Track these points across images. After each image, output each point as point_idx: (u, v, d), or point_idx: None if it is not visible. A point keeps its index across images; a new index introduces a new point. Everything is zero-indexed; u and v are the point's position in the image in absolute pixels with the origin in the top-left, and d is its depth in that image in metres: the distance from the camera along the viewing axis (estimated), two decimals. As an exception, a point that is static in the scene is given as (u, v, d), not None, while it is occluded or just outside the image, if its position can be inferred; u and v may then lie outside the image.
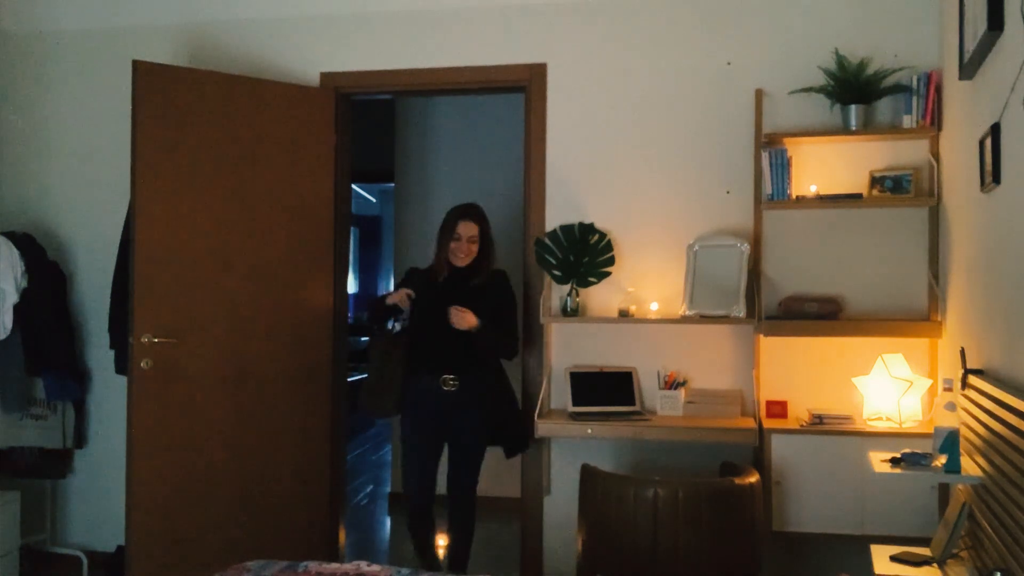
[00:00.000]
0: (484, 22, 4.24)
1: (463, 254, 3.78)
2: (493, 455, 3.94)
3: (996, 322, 2.73)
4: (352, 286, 9.86)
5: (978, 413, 2.75)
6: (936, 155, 3.75)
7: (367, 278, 10.91)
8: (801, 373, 3.91)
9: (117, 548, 4.25)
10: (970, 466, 2.82)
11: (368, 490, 6.48)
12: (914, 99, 3.72)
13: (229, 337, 4.01)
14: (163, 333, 3.86)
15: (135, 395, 3.82)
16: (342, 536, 4.45)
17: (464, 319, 3.69)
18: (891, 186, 3.78)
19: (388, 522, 5.73)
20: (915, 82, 3.71)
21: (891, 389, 3.63)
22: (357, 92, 4.44)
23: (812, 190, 3.84)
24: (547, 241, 4.09)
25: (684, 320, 3.90)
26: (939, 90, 3.69)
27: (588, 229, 4.06)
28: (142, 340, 3.82)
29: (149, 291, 3.85)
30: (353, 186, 4.83)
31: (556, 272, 4.06)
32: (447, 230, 3.81)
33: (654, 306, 3.99)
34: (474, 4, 4.25)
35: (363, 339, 7.50)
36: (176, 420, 3.90)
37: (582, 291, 4.07)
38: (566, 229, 4.07)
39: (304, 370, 4.18)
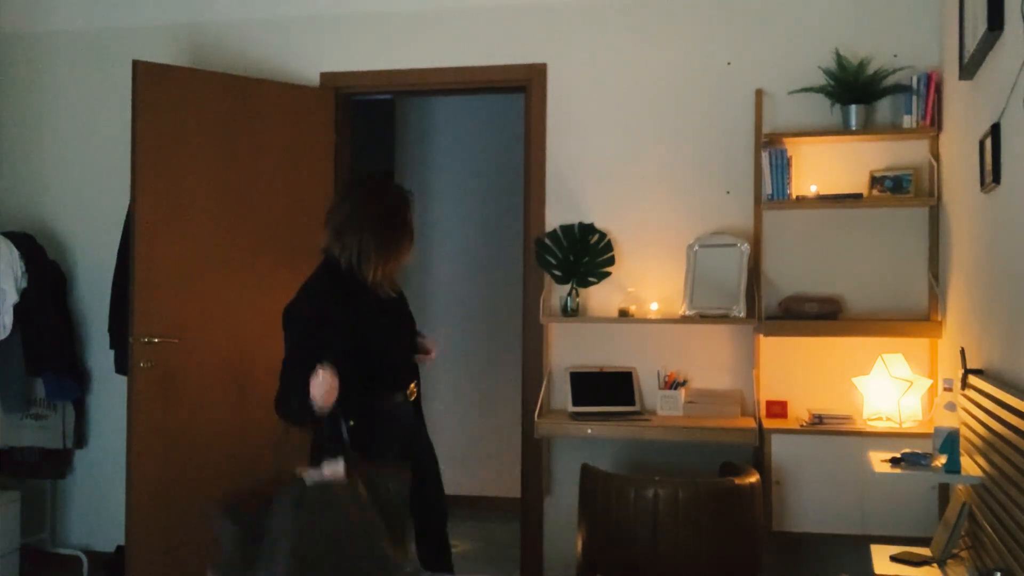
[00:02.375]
0: (484, 22, 4.24)
1: None
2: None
3: (996, 322, 2.73)
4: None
5: (978, 413, 2.75)
6: (936, 155, 3.75)
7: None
8: (801, 373, 3.91)
9: (117, 548, 4.25)
10: (970, 466, 2.82)
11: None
12: (914, 99, 3.72)
13: (229, 337, 4.01)
14: (163, 333, 3.85)
15: (135, 395, 3.82)
16: (342, 536, 4.44)
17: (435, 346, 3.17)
18: (891, 186, 3.78)
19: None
20: (915, 82, 3.71)
21: (891, 389, 3.63)
22: (357, 92, 4.44)
23: (812, 190, 3.84)
24: (547, 241, 4.09)
25: (684, 320, 3.90)
26: (939, 90, 3.69)
27: (588, 229, 4.06)
28: (142, 340, 3.82)
29: (149, 291, 3.84)
30: (353, 186, 4.82)
31: (556, 272, 4.06)
32: (406, 223, 2.95)
33: (654, 306, 3.99)
34: (474, 4, 4.25)
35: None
36: (176, 420, 3.89)
37: (582, 291, 4.07)
38: (566, 229, 4.07)
39: (304, 370, 4.16)
